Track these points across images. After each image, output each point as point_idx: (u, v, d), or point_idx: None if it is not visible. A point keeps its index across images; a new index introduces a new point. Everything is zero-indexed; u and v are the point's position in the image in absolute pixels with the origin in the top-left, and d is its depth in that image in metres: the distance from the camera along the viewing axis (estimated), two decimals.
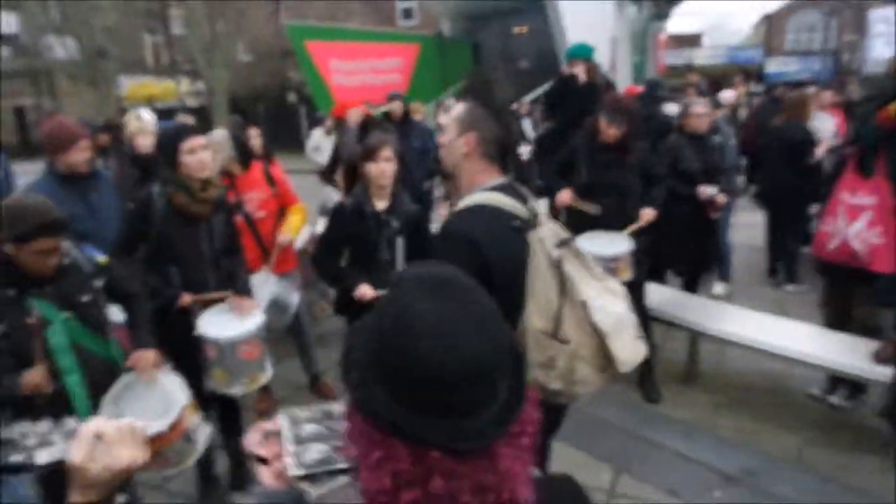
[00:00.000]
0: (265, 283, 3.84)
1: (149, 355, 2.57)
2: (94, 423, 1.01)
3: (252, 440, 1.39)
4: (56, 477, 1.08)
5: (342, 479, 1.72)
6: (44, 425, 1.09)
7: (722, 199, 4.72)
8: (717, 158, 4.99)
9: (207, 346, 2.89)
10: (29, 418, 2.28)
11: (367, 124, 5.56)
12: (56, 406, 2.34)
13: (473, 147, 2.05)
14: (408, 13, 27.51)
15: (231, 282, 3.24)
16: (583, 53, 5.62)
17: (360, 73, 14.53)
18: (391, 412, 0.80)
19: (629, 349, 2.05)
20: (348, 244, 3.32)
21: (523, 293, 1.99)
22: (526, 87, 12.09)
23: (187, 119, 7.25)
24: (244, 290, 3.18)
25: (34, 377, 2.31)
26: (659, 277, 5.06)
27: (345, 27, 21.29)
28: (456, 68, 15.44)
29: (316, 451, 1.95)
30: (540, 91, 12.26)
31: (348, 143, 5.34)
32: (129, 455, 0.99)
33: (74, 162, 3.48)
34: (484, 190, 2.05)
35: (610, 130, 3.96)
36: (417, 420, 0.79)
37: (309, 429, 2.02)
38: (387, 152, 3.19)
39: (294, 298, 3.90)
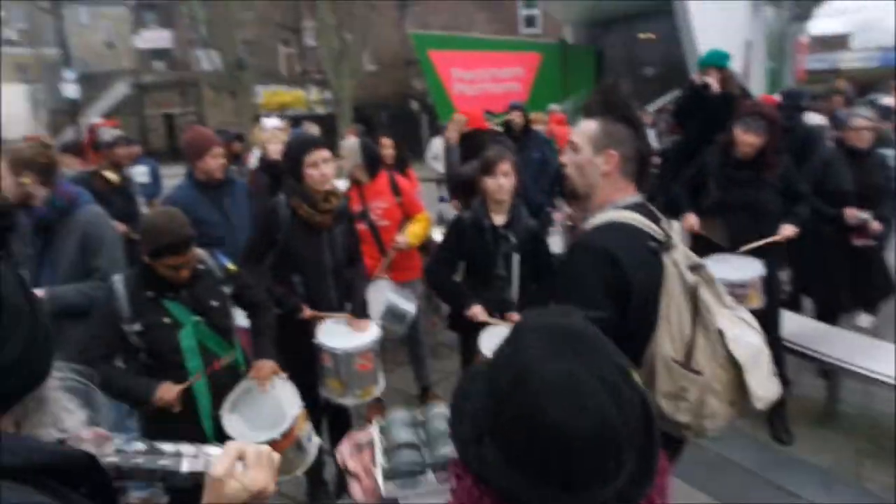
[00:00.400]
0: (382, 290, 3.88)
1: (268, 365, 2.66)
2: (238, 444, 1.05)
3: (344, 451, 1.37)
4: (184, 494, 1.12)
5: (429, 486, 1.66)
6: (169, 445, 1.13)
7: (876, 226, 4.19)
8: (882, 179, 4.40)
9: (324, 355, 2.96)
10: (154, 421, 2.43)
11: (467, 137, 5.48)
12: (182, 405, 2.49)
13: (615, 165, 1.94)
14: (530, 21, 27.36)
15: (350, 293, 3.30)
16: (717, 61, 5.27)
17: (481, 82, 14.62)
18: (505, 477, 0.73)
19: (765, 384, 1.89)
20: (464, 258, 3.29)
21: (656, 317, 1.86)
22: (650, 96, 11.64)
23: (312, 128, 7.57)
24: (361, 309, 3.22)
25: (168, 393, 2.43)
26: (794, 305, 4.64)
27: (466, 36, 21.53)
28: (579, 76, 15.16)
29: (406, 458, 1.91)
30: (665, 100, 11.78)
31: (452, 161, 5.32)
32: (263, 480, 1.02)
33: (209, 168, 3.69)
34: (618, 208, 1.93)
35: (747, 138, 3.66)
36: (535, 490, 0.71)
37: (401, 434, 1.98)
38: (505, 166, 3.14)
39: (412, 308, 3.93)
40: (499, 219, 3.20)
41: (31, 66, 38.60)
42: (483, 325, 3.07)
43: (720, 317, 1.87)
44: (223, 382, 2.61)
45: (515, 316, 3.08)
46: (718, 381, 1.85)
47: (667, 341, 1.85)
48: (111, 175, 4.67)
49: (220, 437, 2.46)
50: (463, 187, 4.29)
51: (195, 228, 3.65)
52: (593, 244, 1.88)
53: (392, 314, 3.82)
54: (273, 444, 2.42)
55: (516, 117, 6.81)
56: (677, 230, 2.02)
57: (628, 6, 13.72)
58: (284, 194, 3.15)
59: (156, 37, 33.02)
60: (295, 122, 20.16)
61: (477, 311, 3.07)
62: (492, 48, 15.45)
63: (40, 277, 3.08)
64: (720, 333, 1.83)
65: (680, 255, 1.90)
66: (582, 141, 1.97)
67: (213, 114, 27.61)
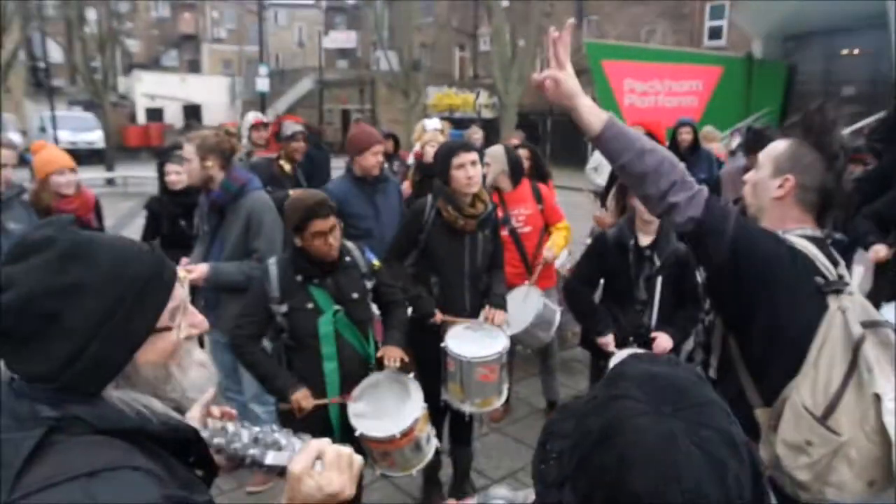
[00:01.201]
0: (527, 298, 3.81)
1: (396, 351, 2.70)
2: (320, 442, 1.06)
3: None
4: None
5: None
6: (282, 434, 1.17)
7: None
8: None
9: (449, 359, 2.94)
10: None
11: None
12: (312, 389, 2.59)
13: (788, 191, 1.74)
14: (716, 32, 25.84)
15: (487, 293, 3.27)
16: None
17: (654, 94, 14.02)
18: None
19: None
20: (604, 277, 3.13)
21: (803, 359, 1.65)
22: (849, 118, 10.47)
23: (476, 132, 7.64)
24: (498, 303, 3.18)
25: (305, 401, 2.54)
26: None
27: (645, 47, 20.80)
28: (765, 93, 14.06)
29: None
30: (866, 122, 10.56)
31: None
32: (340, 482, 1.02)
33: (367, 164, 3.83)
34: (792, 234, 1.73)
35: None
36: None
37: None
38: None
39: (557, 316, 3.82)
40: (645, 239, 3.01)
41: (234, 62, 43.07)
42: (619, 345, 2.94)
43: (885, 381, 1.60)
44: (353, 373, 2.67)
45: (660, 336, 2.89)
46: (858, 449, 1.60)
47: (807, 388, 1.64)
48: (286, 164, 5.03)
49: (345, 425, 2.53)
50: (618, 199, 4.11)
51: (346, 220, 3.87)
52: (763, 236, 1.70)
53: (542, 321, 3.72)
54: (392, 440, 2.44)
55: (684, 133, 6.43)
56: (858, 278, 1.77)
57: (829, 18, 12.47)
58: (432, 195, 3.18)
59: (342, 38, 35.40)
60: (460, 124, 20.67)
61: (608, 342, 2.97)
62: (669, 59, 14.75)
63: (211, 253, 3.37)
64: (877, 398, 1.58)
65: (852, 304, 1.66)
66: (765, 159, 1.82)
67: (385, 111, 29.02)
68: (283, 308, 2.62)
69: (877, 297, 3.06)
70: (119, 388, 0.97)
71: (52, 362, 0.89)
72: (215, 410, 1.24)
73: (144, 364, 0.99)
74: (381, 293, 2.87)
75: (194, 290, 3.20)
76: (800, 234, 1.73)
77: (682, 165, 1.73)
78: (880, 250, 3.37)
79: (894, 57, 9.93)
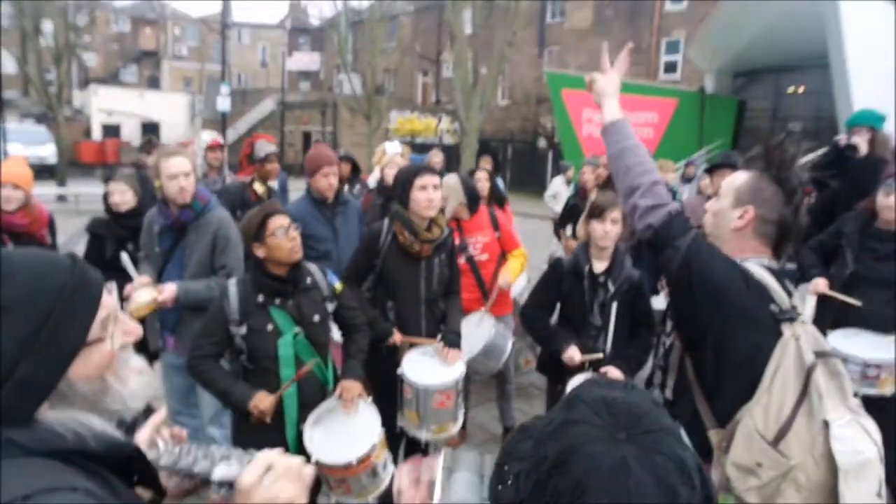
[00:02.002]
0: (480, 324, 3.83)
1: (356, 387, 2.68)
2: (270, 454, 1.05)
3: (403, 480, 1.32)
4: None
5: None
6: (232, 451, 1.15)
7: None
8: None
9: (406, 385, 2.94)
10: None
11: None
12: (269, 413, 2.54)
13: (748, 223, 1.81)
14: (671, 66, 26.70)
15: (443, 322, 3.27)
16: (868, 121, 4.86)
17: None
18: None
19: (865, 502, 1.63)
20: (560, 303, 3.18)
21: (755, 383, 1.69)
22: (798, 152, 10.88)
23: (437, 156, 7.69)
24: (453, 341, 3.16)
25: (262, 402, 2.49)
26: None
27: None
28: (717, 126, 14.52)
29: (459, 497, 1.80)
30: (811, 157, 11.01)
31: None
32: (290, 493, 1.01)
33: (319, 186, 3.82)
34: (749, 263, 1.79)
35: (890, 202, 3.31)
36: None
37: (461, 477, 1.88)
38: (615, 214, 3.02)
39: (509, 345, 3.85)
40: (599, 265, 3.08)
41: (194, 79, 42.57)
42: (576, 370, 2.97)
43: (833, 411, 1.66)
44: (312, 397, 2.65)
45: (611, 370, 2.93)
46: (806, 473, 1.64)
47: (759, 412, 1.68)
48: (260, 187, 4.95)
49: (302, 449, 2.49)
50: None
51: (305, 242, 3.83)
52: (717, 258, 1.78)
53: (490, 350, 3.74)
54: (348, 467, 2.42)
55: None
56: (809, 308, 1.85)
57: (777, 57, 13.02)
58: (388, 219, 3.19)
59: (306, 59, 35.41)
60: (422, 149, 20.72)
61: (573, 354, 2.98)
62: (627, 91, 15.08)
63: (167, 274, 3.32)
64: (825, 425, 1.63)
65: (804, 333, 1.72)
66: (726, 190, 1.88)
67: (347, 134, 29.00)
68: (243, 330, 2.58)
69: (820, 325, 3.19)
70: (54, 408, 0.94)
71: None
72: (164, 432, 1.21)
73: (79, 379, 0.96)
74: (342, 317, 2.85)
75: (152, 311, 3.14)
76: (756, 263, 1.79)
77: (657, 177, 1.83)
78: (820, 283, 3.50)
79: (838, 96, 10.42)
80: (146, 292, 3.04)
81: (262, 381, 2.60)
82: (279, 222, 2.56)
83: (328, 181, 3.82)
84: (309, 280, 2.71)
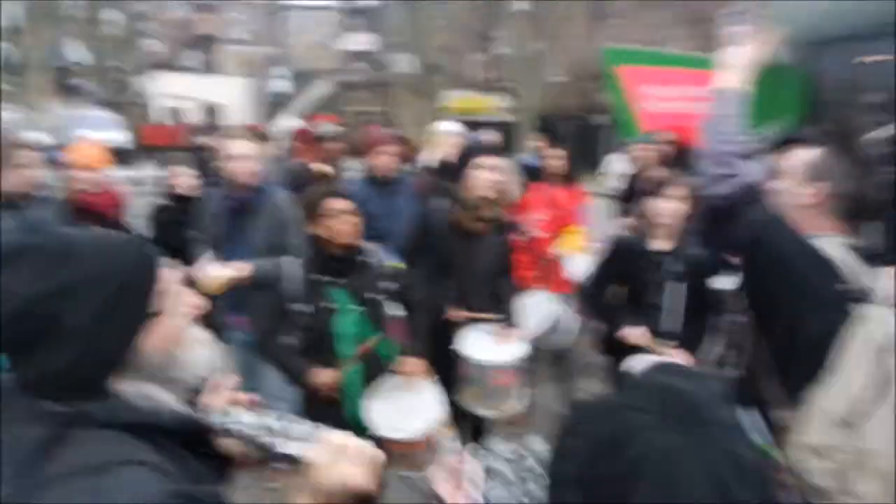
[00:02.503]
0: (545, 301, 3.80)
1: (417, 363, 2.72)
2: (342, 436, 1.06)
3: (437, 477, 1.32)
4: None
5: None
6: (302, 424, 1.15)
7: None
8: None
9: (464, 362, 2.94)
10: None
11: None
12: (332, 390, 2.62)
13: (821, 199, 1.72)
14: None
15: (499, 304, 3.26)
16: None
17: (673, 100, 13.87)
18: None
19: None
20: (620, 282, 3.12)
21: (824, 362, 1.63)
22: (874, 125, 10.35)
23: (489, 134, 7.63)
24: (510, 318, 3.16)
25: (328, 377, 2.55)
26: None
27: (660, 51, 20.64)
28: (787, 99, 13.88)
29: (495, 498, 1.80)
30: (892, 130, 10.43)
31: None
32: (361, 476, 1.00)
33: (375, 164, 3.86)
34: (821, 239, 1.71)
35: None
36: None
37: (498, 467, 1.88)
38: (679, 191, 2.93)
39: (576, 321, 3.81)
40: (662, 244, 3.00)
41: (253, 63, 43.33)
42: (636, 349, 2.91)
43: None
44: (374, 374, 2.69)
45: (676, 352, 2.87)
46: (886, 461, 1.56)
47: (833, 395, 1.62)
48: (323, 167, 4.94)
49: (362, 426, 2.54)
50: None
51: (365, 221, 3.89)
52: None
53: (559, 326, 3.71)
54: (409, 443, 2.46)
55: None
56: (888, 289, 1.73)
57: (853, 25, 12.35)
58: (445, 197, 3.19)
59: (361, 40, 35.52)
60: (476, 126, 20.53)
61: (629, 332, 2.93)
62: (688, 65, 14.54)
63: (229, 253, 3.40)
64: None
65: (881, 316, 1.63)
66: (795, 167, 1.80)
67: (403, 114, 29.04)
68: (304, 307, 2.64)
69: None
70: (125, 381, 0.98)
71: (59, 364, 0.90)
72: (241, 397, 1.24)
73: (148, 350, 1.00)
74: (403, 294, 2.88)
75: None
76: (830, 240, 1.72)
77: (737, 148, 1.86)
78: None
79: None
80: (220, 270, 3.13)
81: (323, 360, 2.65)
82: (337, 205, 2.58)
83: (384, 158, 3.83)
84: (368, 259, 2.74)
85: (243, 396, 1.22)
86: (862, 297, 1.65)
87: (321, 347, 2.67)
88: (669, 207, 2.94)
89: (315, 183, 4.74)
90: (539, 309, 3.65)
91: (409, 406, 2.60)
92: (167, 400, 1.03)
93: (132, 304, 0.98)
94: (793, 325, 1.67)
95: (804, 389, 1.67)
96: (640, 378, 0.79)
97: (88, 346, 0.92)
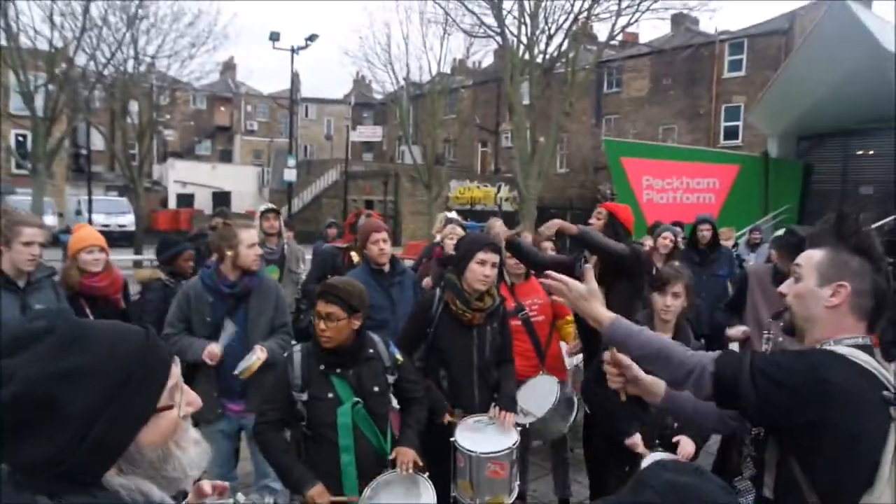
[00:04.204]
0: (546, 385, 3.72)
1: (410, 453, 2.65)
2: None
3: None
4: None
5: None
6: None
7: None
8: None
9: (459, 454, 2.90)
10: None
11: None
12: (327, 481, 2.55)
13: (844, 299, 1.69)
14: (731, 132, 26.49)
15: (497, 391, 3.23)
16: None
17: (672, 191, 14.29)
18: None
19: None
20: None
21: (870, 472, 1.57)
22: (868, 217, 10.53)
23: (497, 220, 7.77)
24: (507, 405, 3.13)
25: (318, 494, 2.48)
26: None
27: (662, 145, 21.36)
28: (783, 191, 14.22)
29: None
30: (885, 222, 10.59)
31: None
32: None
33: (371, 254, 3.93)
34: (845, 345, 1.68)
35: None
36: None
37: None
38: (677, 288, 2.97)
39: (575, 405, 3.73)
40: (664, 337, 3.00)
41: (264, 152, 44.81)
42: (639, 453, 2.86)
43: None
44: (369, 467, 2.62)
45: (683, 442, 2.82)
46: None
47: (887, 493, 1.55)
48: (356, 256, 4.99)
49: None
50: None
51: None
52: (803, 361, 1.63)
53: (559, 409, 3.61)
54: None
55: (704, 230, 6.46)
56: None
57: (844, 120, 12.77)
58: (440, 287, 3.23)
59: (368, 132, 36.83)
60: (481, 216, 20.89)
61: (636, 443, 2.89)
62: (687, 158, 15.10)
63: (228, 321, 3.39)
64: None
65: None
66: (807, 269, 1.74)
67: (407, 203, 29.70)
68: (304, 396, 2.62)
69: None
70: (121, 474, 0.97)
71: (54, 449, 0.89)
72: (207, 486, 1.22)
73: (147, 445, 1.00)
74: (402, 388, 2.85)
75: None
76: (851, 344, 1.65)
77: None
78: None
79: None
80: (251, 354, 3.21)
81: (320, 449, 2.61)
82: (318, 308, 2.62)
83: (379, 247, 3.91)
84: (371, 351, 2.74)
85: (209, 485, 1.20)
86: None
87: (319, 437, 2.63)
88: (668, 303, 2.98)
89: (345, 267, 4.84)
90: (540, 391, 3.59)
91: (402, 502, 2.53)
92: (157, 496, 1.01)
93: (137, 395, 0.97)
94: (840, 444, 1.58)
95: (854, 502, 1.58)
96: (646, 478, 0.79)
97: (86, 434, 0.90)
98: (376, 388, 2.69)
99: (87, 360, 0.92)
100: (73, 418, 0.90)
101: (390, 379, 2.77)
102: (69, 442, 0.89)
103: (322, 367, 2.63)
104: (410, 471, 2.60)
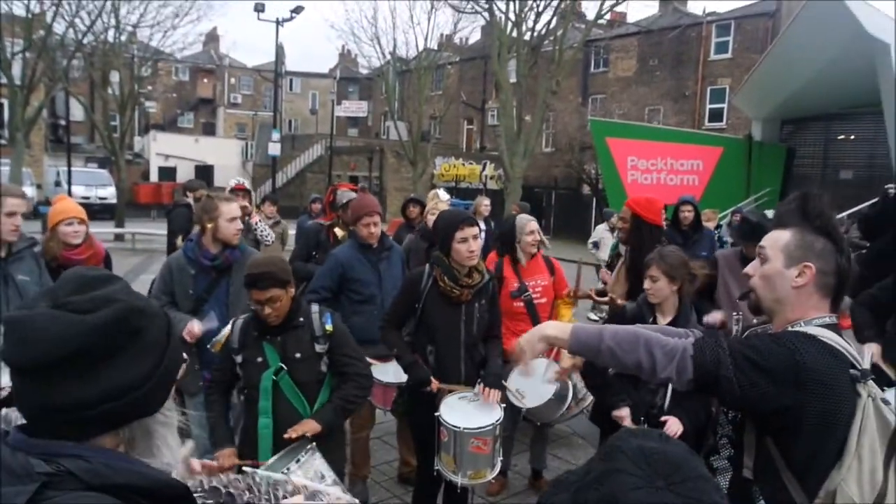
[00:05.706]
0: (547, 371, 3.76)
1: (308, 424, 2.60)
2: (297, 500, 1.08)
3: None
4: None
5: None
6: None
7: None
8: None
9: (442, 429, 2.94)
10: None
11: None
12: (243, 444, 2.73)
13: (810, 279, 1.74)
14: (716, 115, 26.59)
15: (483, 366, 3.27)
16: None
17: (657, 172, 14.36)
18: None
19: None
20: None
21: (840, 450, 1.63)
22: (846, 201, 10.70)
23: (485, 199, 7.79)
24: (493, 382, 3.15)
25: (225, 455, 2.60)
26: None
27: (647, 126, 21.39)
28: (765, 174, 14.34)
29: None
30: (862, 207, 10.75)
31: None
32: None
33: (361, 233, 3.93)
34: (815, 325, 1.72)
35: None
36: None
37: None
38: (652, 271, 3.05)
39: (570, 390, 3.77)
40: (662, 319, 3.05)
41: (248, 125, 44.25)
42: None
43: None
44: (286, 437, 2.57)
45: (671, 422, 2.88)
46: None
47: (853, 481, 1.60)
48: (340, 231, 4.99)
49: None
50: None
51: (350, 286, 3.93)
52: (777, 342, 1.67)
53: (560, 396, 3.64)
54: None
55: (686, 212, 6.51)
56: (868, 362, 1.76)
57: (827, 104, 12.87)
58: (429, 264, 3.25)
59: (354, 107, 36.37)
60: (466, 194, 20.85)
61: (623, 416, 2.94)
62: (672, 139, 15.15)
63: (205, 312, 3.43)
64: None
65: (877, 391, 1.66)
66: (772, 250, 1.78)
67: (392, 179, 29.56)
68: (239, 359, 2.77)
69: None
70: (118, 439, 1.00)
71: (136, 375, 0.96)
72: (196, 464, 1.24)
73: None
74: (336, 361, 2.84)
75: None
76: (820, 324, 1.71)
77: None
78: (875, 353, 3.24)
79: (893, 142, 10.18)
80: (225, 329, 3.17)
81: (252, 412, 2.74)
82: (255, 296, 2.65)
83: (368, 230, 3.92)
84: (301, 319, 2.79)
85: (198, 464, 1.23)
86: (865, 376, 1.64)
87: (250, 399, 2.76)
88: (647, 287, 3.04)
89: (330, 244, 4.81)
90: (541, 378, 3.61)
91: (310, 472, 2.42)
92: (151, 463, 1.03)
93: (172, 368, 1.05)
94: (820, 423, 1.63)
95: (825, 479, 1.63)
96: (616, 444, 0.81)
97: (160, 363, 0.99)
98: (298, 355, 2.75)
99: (152, 334, 1.00)
100: (152, 349, 0.99)
101: (318, 348, 2.79)
102: (150, 369, 0.98)
103: (255, 332, 2.75)
104: (293, 437, 2.51)
